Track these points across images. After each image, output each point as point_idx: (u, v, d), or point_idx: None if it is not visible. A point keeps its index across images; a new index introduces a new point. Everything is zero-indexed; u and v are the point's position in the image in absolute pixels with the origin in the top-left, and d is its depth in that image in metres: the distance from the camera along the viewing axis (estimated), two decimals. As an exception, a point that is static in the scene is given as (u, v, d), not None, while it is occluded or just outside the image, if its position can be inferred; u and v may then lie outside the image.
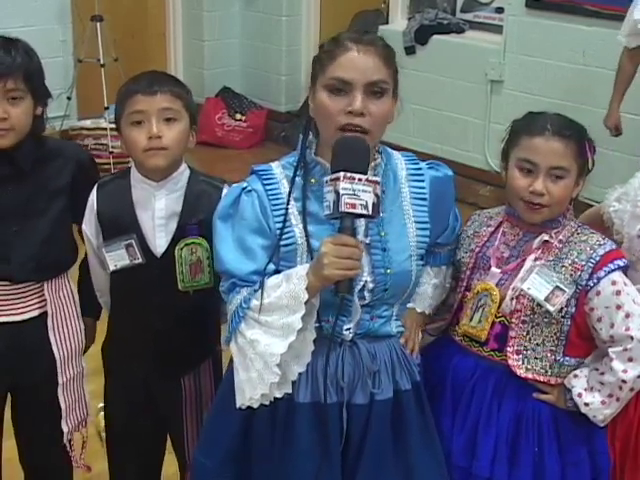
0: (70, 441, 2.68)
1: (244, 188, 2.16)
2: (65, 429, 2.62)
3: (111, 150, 6.40)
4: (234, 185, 2.20)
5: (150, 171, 2.40)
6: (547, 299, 2.23)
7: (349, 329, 2.17)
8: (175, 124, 2.37)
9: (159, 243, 2.42)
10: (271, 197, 2.14)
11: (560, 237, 2.30)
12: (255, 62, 7.61)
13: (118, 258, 2.41)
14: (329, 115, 2.07)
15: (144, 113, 2.34)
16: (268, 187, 2.15)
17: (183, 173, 2.45)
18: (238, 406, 2.14)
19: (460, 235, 2.43)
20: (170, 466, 2.80)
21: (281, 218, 2.12)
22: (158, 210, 2.41)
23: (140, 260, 2.40)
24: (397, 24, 6.69)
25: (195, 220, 2.39)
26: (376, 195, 1.96)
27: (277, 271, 2.11)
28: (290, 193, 2.13)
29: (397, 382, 2.21)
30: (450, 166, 2.33)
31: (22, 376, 2.54)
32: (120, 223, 2.42)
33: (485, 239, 2.38)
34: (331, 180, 1.96)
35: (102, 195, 2.46)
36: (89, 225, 2.48)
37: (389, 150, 2.25)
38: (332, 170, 1.99)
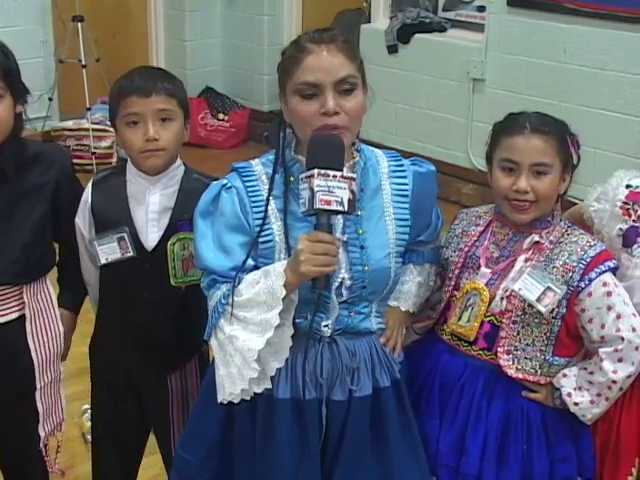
0: (46, 446, 2.67)
1: (224, 185, 2.16)
2: (42, 434, 2.61)
3: (93, 151, 6.39)
4: (214, 182, 2.21)
5: (147, 170, 2.42)
6: (538, 300, 2.23)
7: (327, 325, 2.17)
8: (171, 124, 2.39)
9: (151, 237, 2.43)
10: (251, 194, 2.15)
11: (551, 238, 2.31)
12: (237, 62, 7.60)
13: (109, 251, 2.41)
14: (304, 120, 2.08)
15: (139, 114, 2.35)
16: (248, 184, 2.16)
17: (178, 169, 2.47)
18: (219, 401, 2.15)
19: (448, 233, 2.44)
20: (150, 468, 2.79)
21: (260, 215, 2.12)
22: (152, 204, 2.43)
23: (131, 254, 2.41)
24: (379, 23, 6.69)
25: (187, 216, 2.38)
26: (352, 191, 1.96)
27: (257, 267, 2.12)
28: (270, 191, 2.14)
29: (376, 379, 2.22)
30: (433, 164, 2.34)
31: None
32: (113, 216, 2.43)
33: (474, 238, 2.39)
34: (306, 177, 1.96)
35: (97, 188, 2.48)
36: (82, 218, 2.49)
37: (369, 148, 2.25)
38: (307, 167, 1.99)
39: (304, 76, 2.06)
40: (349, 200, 1.95)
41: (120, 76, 2.44)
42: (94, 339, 2.63)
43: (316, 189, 1.93)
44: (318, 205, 1.93)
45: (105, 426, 2.65)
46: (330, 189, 1.94)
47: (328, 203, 1.94)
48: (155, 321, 2.46)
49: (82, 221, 2.49)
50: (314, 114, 2.05)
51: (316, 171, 1.94)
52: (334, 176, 1.95)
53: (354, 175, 2.00)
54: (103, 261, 2.43)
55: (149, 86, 2.35)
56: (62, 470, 2.78)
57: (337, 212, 1.97)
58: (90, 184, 2.49)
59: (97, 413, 2.68)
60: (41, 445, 2.64)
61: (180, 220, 2.41)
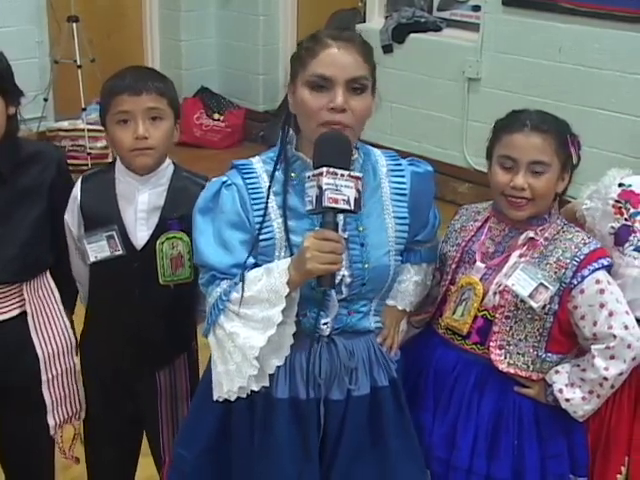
0: (58, 433, 2.67)
1: (224, 182, 2.17)
2: (51, 423, 2.61)
3: (89, 151, 6.38)
4: (214, 179, 2.22)
5: (137, 169, 2.42)
6: (531, 296, 2.24)
7: (326, 324, 2.18)
8: (161, 123, 2.39)
9: (140, 236, 2.43)
10: (251, 191, 2.15)
11: (546, 234, 2.31)
12: (232, 62, 7.60)
13: (99, 249, 2.42)
14: (311, 112, 2.09)
15: (130, 113, 2.35)
16: (248, 181, 2.16)
17: (167, 168, 2.47)
18: (215, 398, 2.15)
19: (447, 228, 2.46)
20: (144, 470, 2.79)
21: (261, 212, 2.13)
22: (140, 204, 2.43)
23: (121, 252, 2.41)
24: (374, 22, 6.70)
25: (176, 215, 2.41)
26: (358, 190, 1.97)
27: (256, 265, 2.12)
28: (270, 187, 2.14)
29: (374, 379, 2.23)
30: (429, 164, 2.35)
31: (4, 375, 2.52)
32: (102, 215, 2.43)
33: (472, 234, 2.40)
34: (314, 175, 1.97)
35: (86, 187, 2.48)
36: (71, 216, 2.49)
37: (368, 147, 2.27)
38: (315, 166, 2.00)
39: (318, 68, 2.07)
40: (355, 199, 1.97)
41: (111, 75, 2.44)
42: (84, 336, 2.64)
43: (325, 187, 1.94)
44: (326, 203, 1.95)
45: (97, 423, 2.66)
46: (338, 187, 1.96)
47: (336, 201, 1.95)
48: (145, 319, 2.47)
49: (71, 218, 2.49)
50: (322, 108, 2.07)
51: (325, 169, 1.96)
52: (342, 175, 1.96)
53: (360, 174, 2.02)
54: (92, 259, 2.43)
55: (140, 85, 2.35)
56: (77, 457, 2.78)
57: (344, 211, 1.99)
58: (79, 182, 2.49)
59: (89, 410, 2.67)
60: (52, 433, 2.64)
61: (169, 219, 2.42)
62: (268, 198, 2.14)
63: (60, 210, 2.50)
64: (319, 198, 1.95)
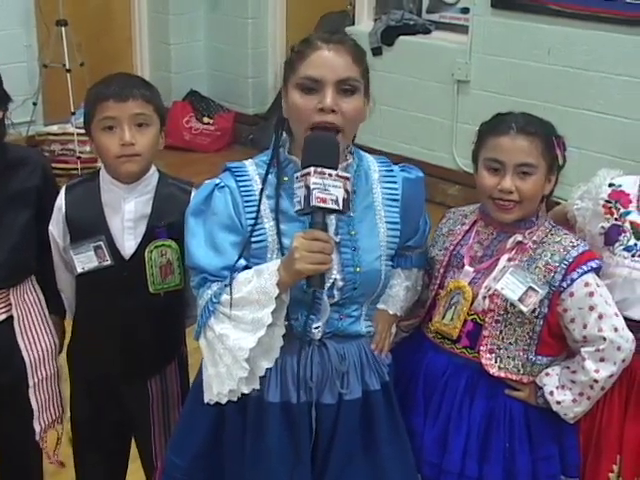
0: (43, 439, 2.67)
1: (217, 184, 2.17)
2: (37, 428, 2.61)
3: (78, 155, 6.35)
4: (207, 181, 2.21)
5: (123, 176, 2.41)
6: (520, 300, 2.24)
7: (318, 327, 2.17)
8: (147, 129, 2.38)
9: (128, 245, 2.42)
10: (243, 194, 2.15)
11: (534, 238, 2.32)
12: (222, 65, 7.59)
13: (86, 260, 2.41)
14: (301, 114, 2.09)
15: (116, 119, 2.34)
16: (241, 184, 2.16)
17: (152, 176, 2.46)
18: (206, 401, 2.15)
19: (435, 232, 2.46)
20: (132, 474, 2.78)
21: (253, 215, 2.13)
22: (127, 212, 2.42)
23: (109, 262, 2.40)
24: (363, 25, 6.70)
25: (164, 223, 2.40)
26: (346, 190, 1.97)
27: (248, 267, 2.12)
28: (262, 190, 2.14)
29: (366, 383, 2.23)
30: (418, 166, 2.36)
31: None
32: (89, 225, 2.42)
33: (459, 237, 2.40)
34: (302, 175, 1.97)
35: (71, 197, 2.46)
36: (56, 227, 2.47)
37: (361, 152, 2.27)
38: (302, 166, 2.00)
39: (307, 70, 2.08)
40: (344, 199, 1.97)
41: (96, 82, 2.43)
42: (72, 345, 2.63)
43: (312, 187, 1.94)
44: (314, 203, 1.94)
45: (85, 429, 2.65)
46: (326, 187, 1.95)
47: (324, 201, 1.95)
48: (135, 328, 2.46)
49: (57, 230, 2.47)
50: (311, 109, 2.07)
51: (312, 169, 1.96)
52: (330, 174, 1.96)
53: (348, 175, 2.02)
54: (80, 270, 2.42)
55: (126, 91, 2.35)
56: (61, 461, 2.77)
57: (332, 210, 1.98)
58: (63, 193, 2.47)
59: (77, 417, 2.66)
60: (37, 438, 2.63)
61: (157, 227, 2.41)
62: (260, 201, 2.14)
63: (45, 215, 2.49)
64: (307, 198, 1.95)
